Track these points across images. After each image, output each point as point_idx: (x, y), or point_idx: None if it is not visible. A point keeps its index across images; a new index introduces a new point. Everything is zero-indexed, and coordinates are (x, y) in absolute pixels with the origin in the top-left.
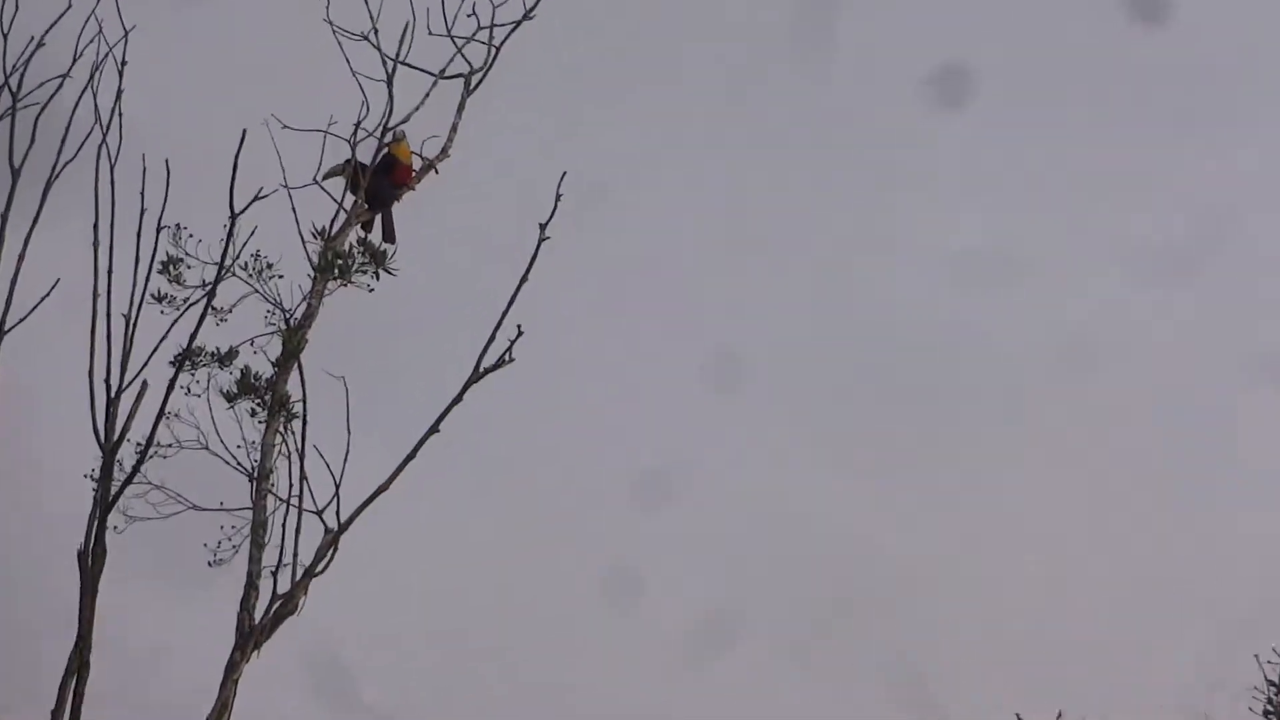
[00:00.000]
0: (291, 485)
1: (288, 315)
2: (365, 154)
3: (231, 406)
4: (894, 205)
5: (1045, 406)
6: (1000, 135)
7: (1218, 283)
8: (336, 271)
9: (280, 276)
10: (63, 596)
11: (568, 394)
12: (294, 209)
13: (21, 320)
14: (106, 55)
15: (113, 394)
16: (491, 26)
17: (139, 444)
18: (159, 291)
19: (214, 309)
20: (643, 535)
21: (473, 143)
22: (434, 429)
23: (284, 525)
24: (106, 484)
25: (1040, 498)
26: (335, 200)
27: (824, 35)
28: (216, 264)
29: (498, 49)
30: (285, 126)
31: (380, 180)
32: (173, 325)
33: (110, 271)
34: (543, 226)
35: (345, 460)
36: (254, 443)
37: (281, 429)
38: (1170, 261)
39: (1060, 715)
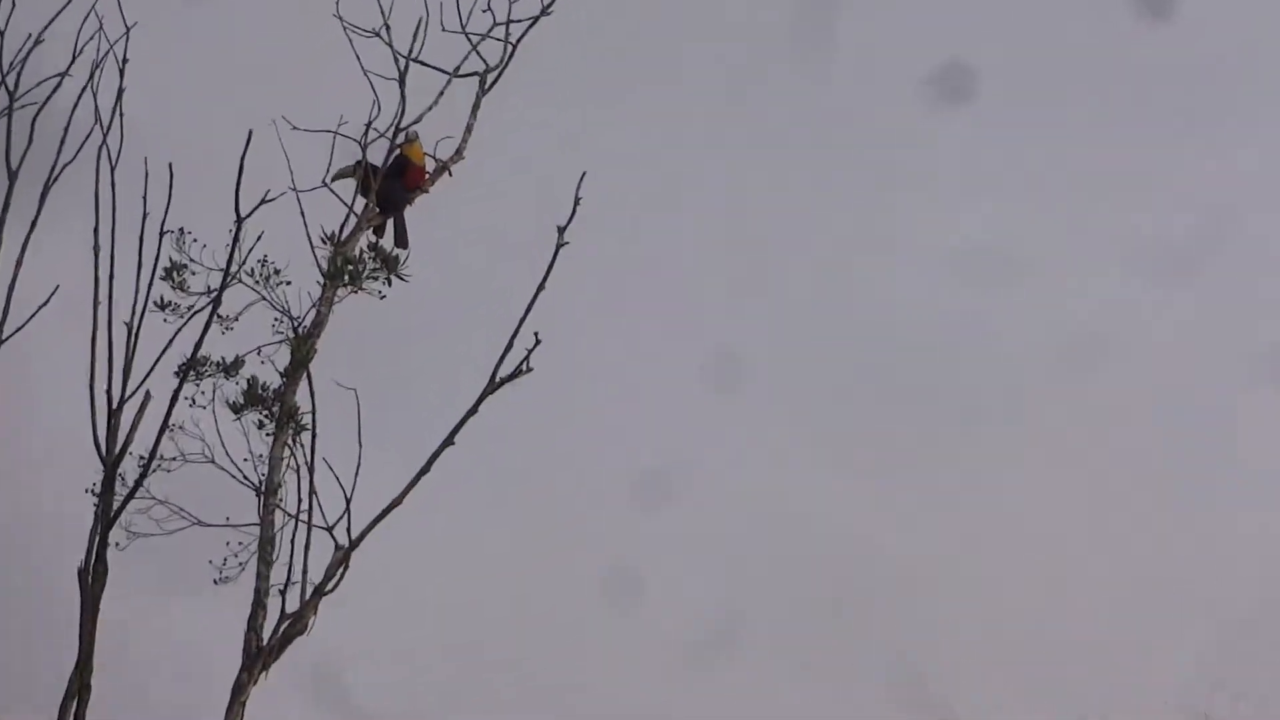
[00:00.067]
0: (300, 500)
1: (296, 323)
2: (376, 155)
3: (238, 418)
4: (894, 205)
5: (1046, 406)
6: (1001, 134)
7: (1219, 282)
8: (347, 278)
9: (288, 283)
10: (63, 615)
11: (567, 394)
12: (302, 213)
13: (19, 329)
14: (107, 53)
15: (114, 405)
16: (508, 23)
17: (142, 457)
18: (162, 299)
19: (219, 317)
20: (643, 536)
21: (487, 141)
22: (448, 442)
23: (293, 541)
24: (108, 499)
25: (1040, 497)
26: (345, 204)
27: (824, 35)
28: (222, 270)
29: (514, 46)
30: (293, 127)
31: (392, 183)
32: (176, 334)
33: (111, 278)
34: (561, 230)
35: (356, 474)
36: (261, 456)
37: (290, 442)
38: (1172, 261)
39: None
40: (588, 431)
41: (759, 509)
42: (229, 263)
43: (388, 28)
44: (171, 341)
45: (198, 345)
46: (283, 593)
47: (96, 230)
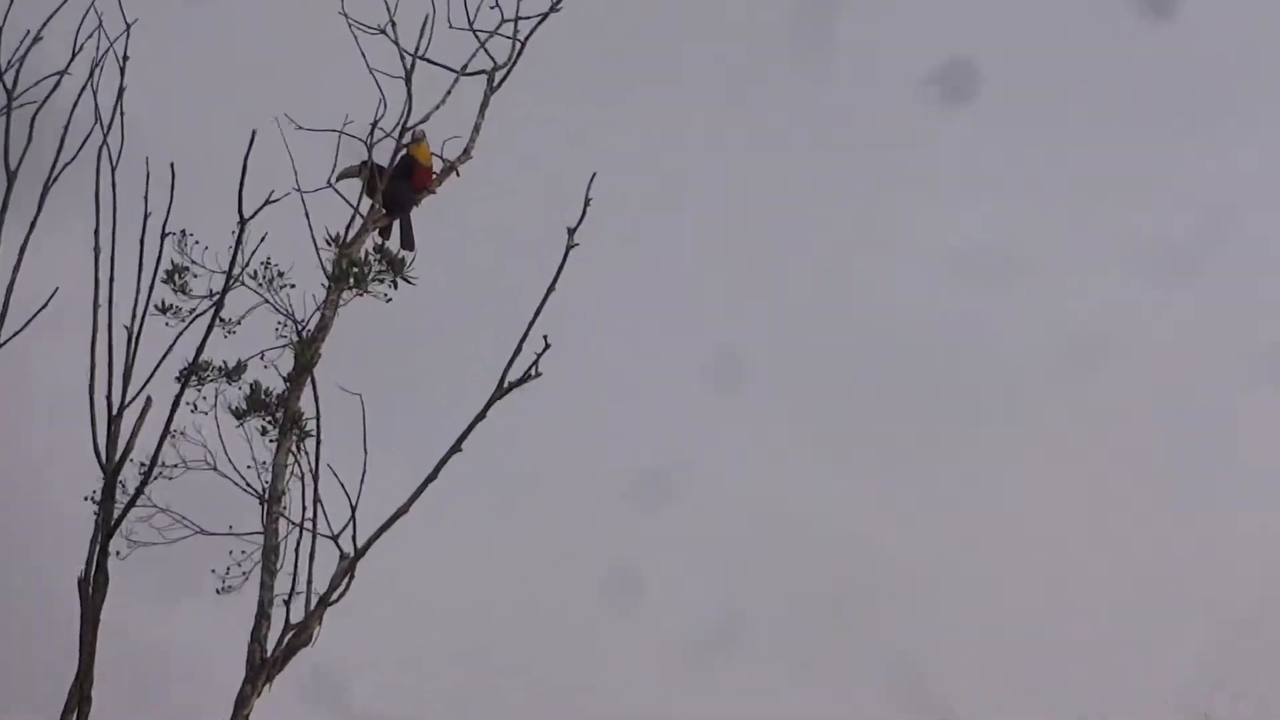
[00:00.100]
0: (305, 508)
1: (300, 327)
2: (382, 155)
3: (241, 424)
4: (894, 205)
5: (1046, 406)
6: (1001, 134)
7: (1219, 282)
8: (352, 280)
9: (292, 286)
10: (63, 625)
11: (567, 394)
12: (307, 214)
13: (18, 332)
14: (107, 50)
15: (114, 411)
16: (516, 19)
17: (142, 464)
18: (163, 302)
19: (222, 320)
20: (642, 536)
21: (493, 139)
22: (456, 448)
23: (297, 550)
24: (108, 507)
25: (1040, 497)
26: (351, 205)
27: (824, 35)
28: (224, 272)
29: (523, 44)
30: (298, 126)
31: (398, 183)
32: (178, 338)
33: (112, 280)
34: (571, 232)
35: (362, 481)
36: (265, 463)
37: (294, 448)
38: (1172, 261)
39: None
40: (587, 432)
41: (759, 509)
42: (232, 265)
43: (393, 25)
44: (173, 346)
45: (200, 349)
46: (287, 603)
47: (97, 232)
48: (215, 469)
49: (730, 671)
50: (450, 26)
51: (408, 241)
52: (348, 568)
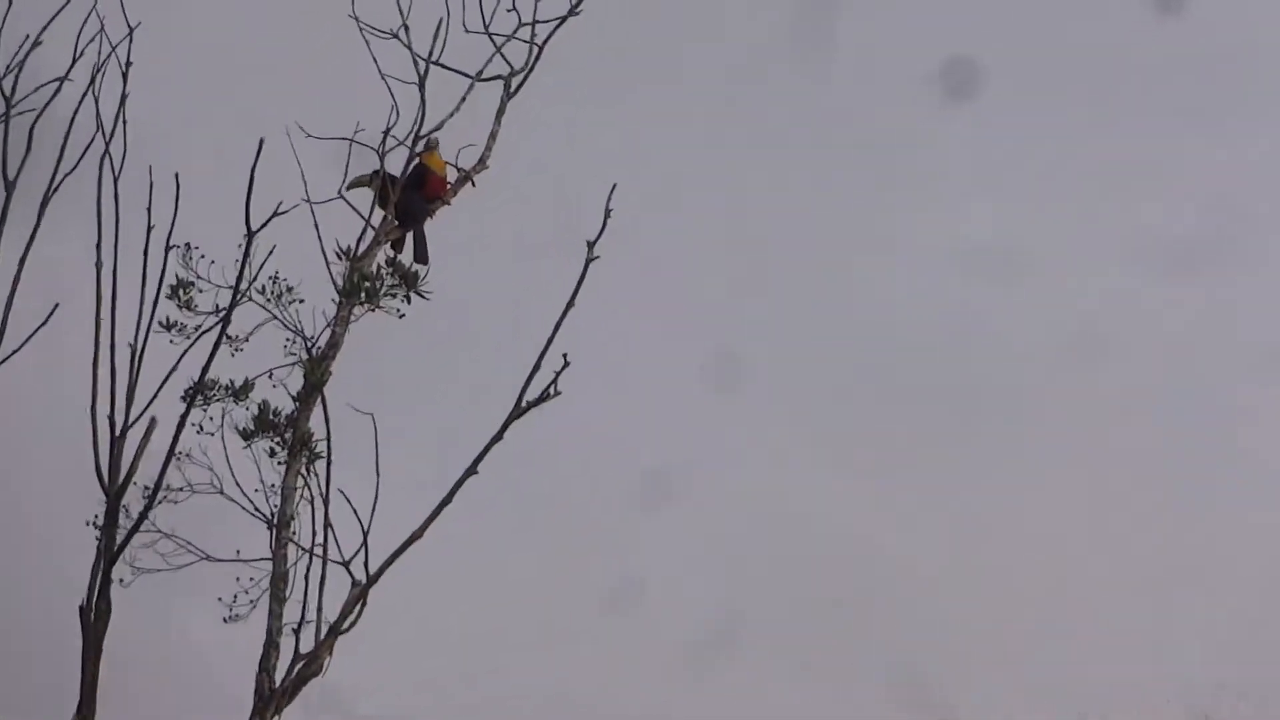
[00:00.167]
0: (315, 533)
1: (310, 344)
2: (395, 165)
3: (248, 446)
4: (895, 204)
5: (1047, 405)
6: (1006, 130)
7: (1225, 278)
8: (363, 295)
9: (301, 301)
10: (64, 654)
11: (567, 395)
12: (316, 226)
13: (17, 350)
14: (109, 55)
15: (117, 432)
16: (534, 23)
17: (146, 487)
18: (168, 318)
19: (228, 337)
20: (643, 536)
21: (510, 144)
22: (472, 470)
23: (307, 577)
24: (111, 532)
25: (1042, 497)
26: (362, 216)
27: (824, 35)
28: (231, 287)
29: (541, 48)
30: (307, 135)
31: (411, 194)
32: (183, 355)
33: (114, 296)
34: (590, 245)
35: (374, 505)
36: (273, 486)
37: (304, 470)
38: (1176, 257)
39: None
40: (588, 432)
41: (759, 509)
42: (238, 280)
43: (406, 28)
44: (178, 364)
45: (205, 368)
46: (296, 632)
47: (98, 245)
48: (222, 492)
49: (730, 671)
50: (465, 30)
51: (421, 254)
52: (359, 595)
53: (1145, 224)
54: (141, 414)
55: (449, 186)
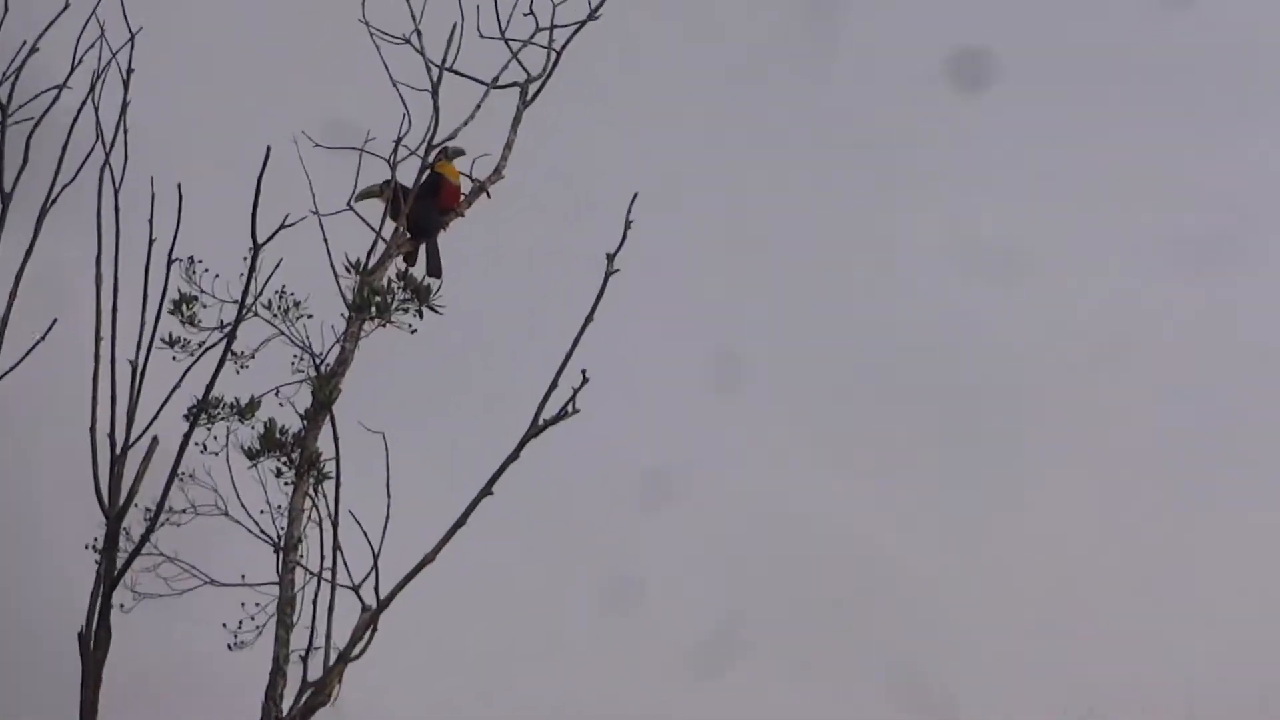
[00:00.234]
0: (323, 556)
1: (318, 361)
2: (407, 175)
3: (254, 466)
4: (896, 204)
5: (1048, 404)
6: (1010, 128)
7: (1230, 278)
8: (374, 310)
9: (309, 316)
10: (62, 683)
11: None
12: (325, 239)
13: (13, 367)
14: (109, 62)
15: (118, 452)
16: (551, 28)
17: (148, 509)
18: (170, 334)
19: (234, 354)
20: (642, 537)
21: (526, 152)
22: (486, 490)
23: (315, 602)
24: (111, 556)
25: (1042, 497)
26: (372, 228)
27: (824, 35)
28: (236, 302)
29: (559, 53)
30: (315, 144)
31: (424, 204)
32: (186, 373)
33: (114, 311)
34: (610, 258)
35: (385, 527)
36: (280, 507)
37: (311, 491)
38: (1181, 256)
39: None
40: (587, 432)
41: (759, 509)
42: (244, 294)
43: (419, 34)
44: (181, 381)
45: (210, 385)
46: (304, 659)
47: (98, 259)
48: (226, 514)
49: (731, 672)
50: (480, 35)
51: (434, 268)
52: (370, 620)
53: (1146, 224)
54: (143, 433)
55: (463, 197)
